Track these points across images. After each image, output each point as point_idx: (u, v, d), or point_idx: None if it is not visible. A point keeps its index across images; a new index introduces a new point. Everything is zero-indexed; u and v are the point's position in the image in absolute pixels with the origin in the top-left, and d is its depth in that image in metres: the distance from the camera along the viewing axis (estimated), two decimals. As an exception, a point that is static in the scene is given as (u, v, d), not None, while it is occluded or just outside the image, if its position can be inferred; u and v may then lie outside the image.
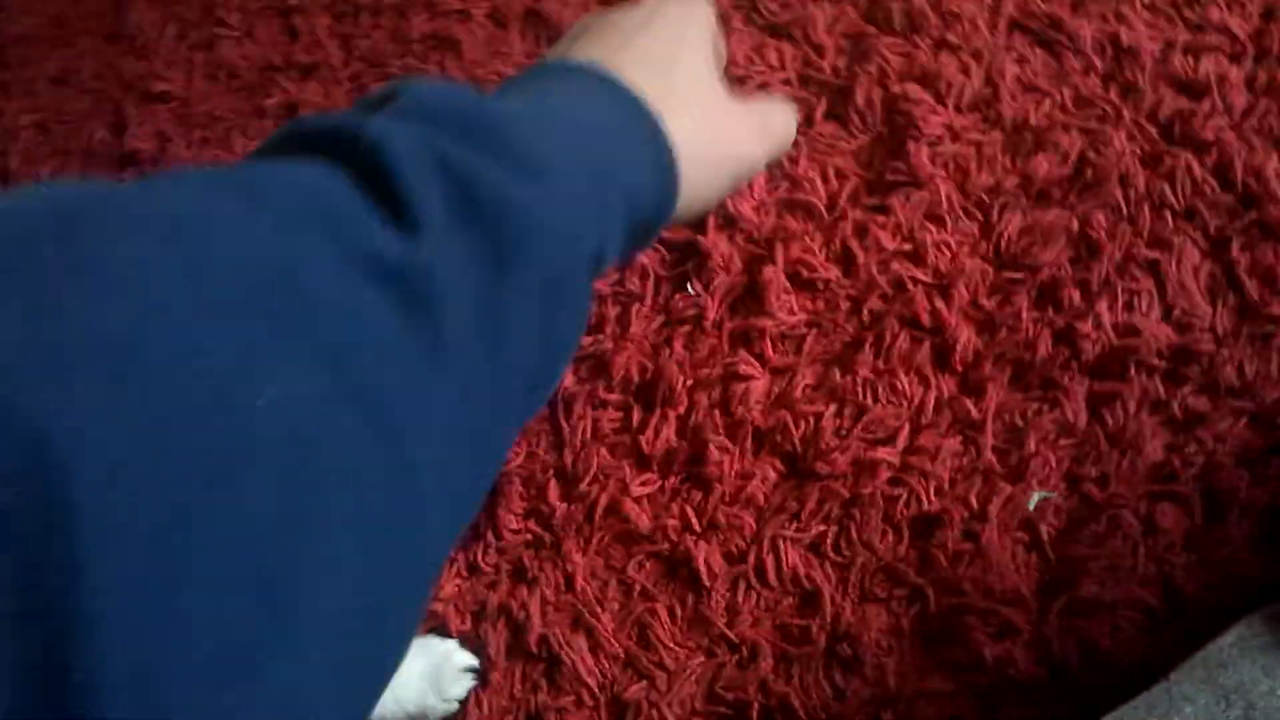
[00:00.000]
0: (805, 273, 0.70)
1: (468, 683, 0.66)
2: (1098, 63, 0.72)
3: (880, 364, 0.68)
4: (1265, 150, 0.67)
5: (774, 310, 0.70)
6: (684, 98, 0.33)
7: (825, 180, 0.73)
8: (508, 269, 0.24)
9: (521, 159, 0.26)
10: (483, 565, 0.71)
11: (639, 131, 0.31)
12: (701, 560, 0.66)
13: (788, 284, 0.71)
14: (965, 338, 0.67)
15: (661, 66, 0.33)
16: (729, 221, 0.73)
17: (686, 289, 0.72)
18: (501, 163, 0.25)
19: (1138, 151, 0.69)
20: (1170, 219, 0.66)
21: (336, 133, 0.24)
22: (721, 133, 0.35)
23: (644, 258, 0.74)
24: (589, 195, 0.28)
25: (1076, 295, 0.66)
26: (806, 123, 0.76)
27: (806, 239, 0.72)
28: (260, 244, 0.20)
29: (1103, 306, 0.65)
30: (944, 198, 0.70)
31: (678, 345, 0.71)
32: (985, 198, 0.70)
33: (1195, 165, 0.67)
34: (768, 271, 0.70)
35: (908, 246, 0.70)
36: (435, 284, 0.22)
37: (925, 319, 0.68)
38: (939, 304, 0.68)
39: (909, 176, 0.71)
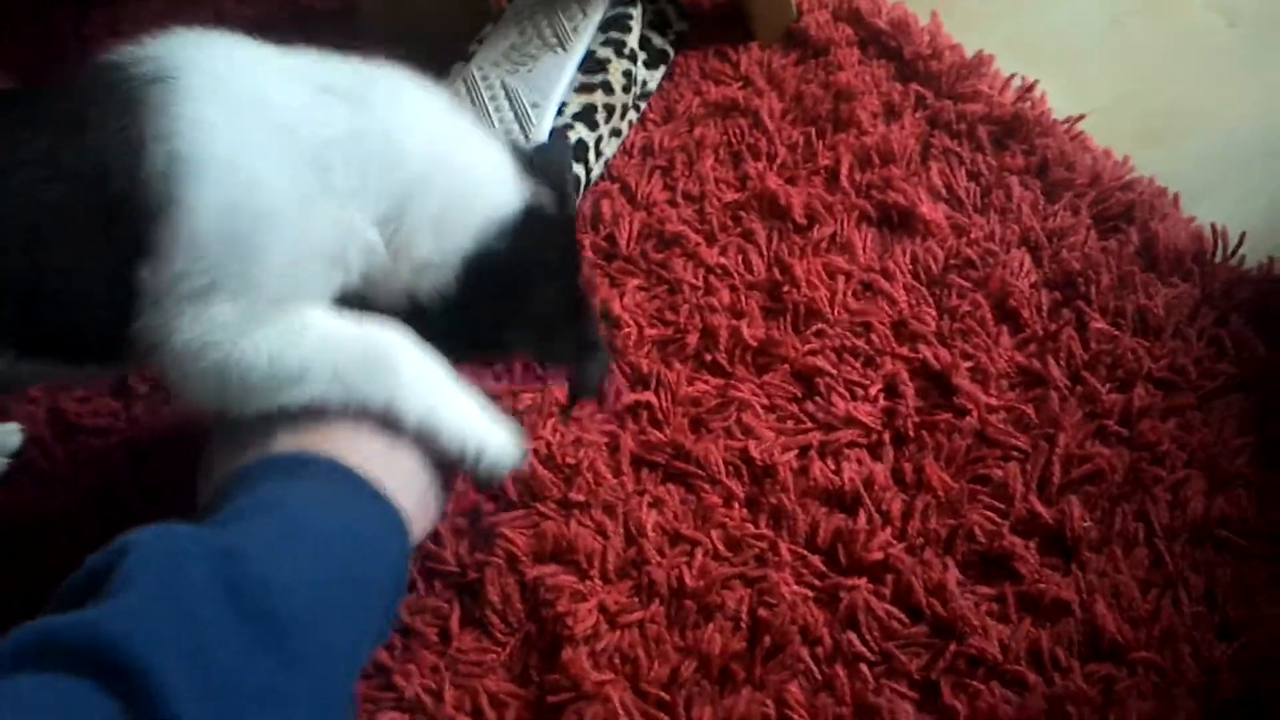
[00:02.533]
0: None
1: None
2: (737, 489, 0.64)
3: None
4: (939, 561, 0.60)
5: None
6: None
7: (478, 716, 0.56)
8: None
9: (276, 629, 0.36)
10: None
11: (376, 512, 0.45)
12: None
13: None
14: None
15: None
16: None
17: None
18: (260, 641, 0.36)
19: (808, 592, 0.59)
20: (869, 673, 0.56)
21: (89, 651, 0.32)
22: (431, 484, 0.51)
23: None
24: (340, 638, 0.40)
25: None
26: (442, 637, 0.59)
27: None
28: None
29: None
30: (619, 707, 0.55)
31: None
32: (665, 694, 0.56)
33: (873, 599, 0.58)
34: None
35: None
36: None
37: None
38: None
39: (574, 690, 0.56)
